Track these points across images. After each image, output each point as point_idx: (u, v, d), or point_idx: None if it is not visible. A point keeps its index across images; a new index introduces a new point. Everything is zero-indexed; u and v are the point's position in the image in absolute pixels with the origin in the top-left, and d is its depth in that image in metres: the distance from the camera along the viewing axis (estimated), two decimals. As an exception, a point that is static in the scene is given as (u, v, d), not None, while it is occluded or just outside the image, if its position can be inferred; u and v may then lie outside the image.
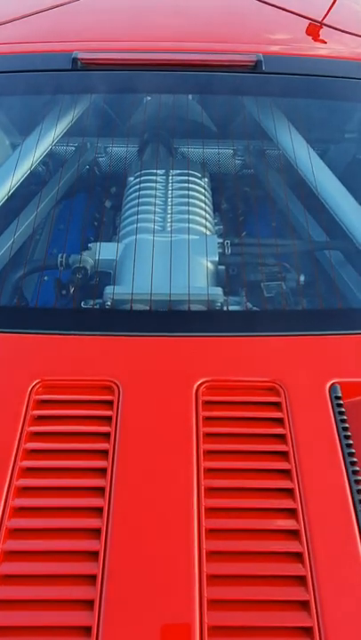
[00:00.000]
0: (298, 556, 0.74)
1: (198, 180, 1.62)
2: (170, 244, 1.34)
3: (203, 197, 1.55)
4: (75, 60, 1.52)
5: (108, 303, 1.20)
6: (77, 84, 1.57)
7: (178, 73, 1.57)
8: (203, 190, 1.59)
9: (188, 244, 1.32)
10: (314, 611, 0.69)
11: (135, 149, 1.87)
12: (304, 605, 0.70)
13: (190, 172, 1.62)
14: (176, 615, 0.69)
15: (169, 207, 1.48)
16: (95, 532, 0.77)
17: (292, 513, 0.79)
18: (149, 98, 1.77)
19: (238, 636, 0.68)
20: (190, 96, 1.77)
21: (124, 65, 1.56)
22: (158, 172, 1.63)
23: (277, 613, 0.70)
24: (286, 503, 0.80)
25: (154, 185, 1.56)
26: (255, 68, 1.53)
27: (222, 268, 1.35)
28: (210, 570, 0.73)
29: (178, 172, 1.63)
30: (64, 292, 1.36)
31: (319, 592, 0.71)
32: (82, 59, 1.53)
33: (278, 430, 0.88)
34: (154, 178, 1.59)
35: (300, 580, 0.73)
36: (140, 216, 1.43)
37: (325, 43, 1.69)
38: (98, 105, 1.74)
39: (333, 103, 1.70)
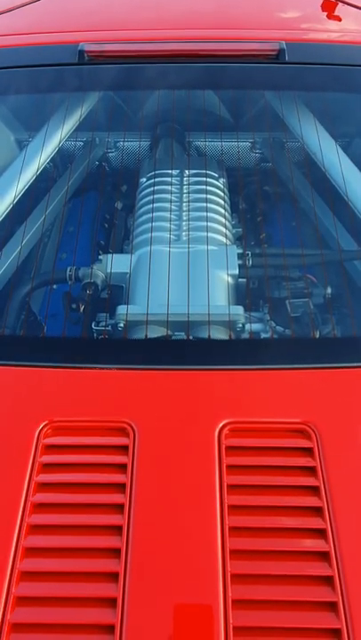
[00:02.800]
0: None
1: (216, 182, 1.51)
2: (186, 255, 1.24)
3: (221, 201, 1.44)
4: (81, 53, 1.41)
5: (121, 325, 1.11)
6: (84, 78, 1.45)
7: (192, 64, 1.44)
8: (221, 193, 1.48)
9: (207, 256, 1.21)
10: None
11: (147, 146, 1.76)
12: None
13: (207, 172, 1.50)
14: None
15: (185, 214, 1.38)
16: (110, 602, 0.70)
17: (328, 581, 0.71)
18: (162, 91, 1.64)
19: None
20: (206, 89, 1.64)
21: (134, 57, 1.44)
22: (173, 172, 1.52)
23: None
24: (321, 568, 0.72)
25: (168, 188, 1.45)
26: (277, 57, 1.39)
27: (242, 281, 1.25)
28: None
29: (194, 172, 1.51)
30: (74, 305, 1.28)
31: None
32: (89, 51, 1.41)
33: (310, 481, 0.80)
34: (168, 180, 1.48)
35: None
36: (154, 224, 1.32)
37: (356, 28, 1.54)
38: (107, 99, 1.62)
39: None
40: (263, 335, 1.11)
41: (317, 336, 1.10)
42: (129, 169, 1.77)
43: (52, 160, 1.61)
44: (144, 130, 1.74)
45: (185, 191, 1.46)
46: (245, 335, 1.08)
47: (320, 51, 1.42)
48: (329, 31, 1.53)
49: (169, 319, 1.07)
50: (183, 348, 0.98)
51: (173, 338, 1.05)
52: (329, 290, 1.19)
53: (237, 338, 1.07)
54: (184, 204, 1.41)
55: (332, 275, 1.25)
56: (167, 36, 1.48)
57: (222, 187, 1.51)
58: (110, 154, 1.79)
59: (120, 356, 0.95)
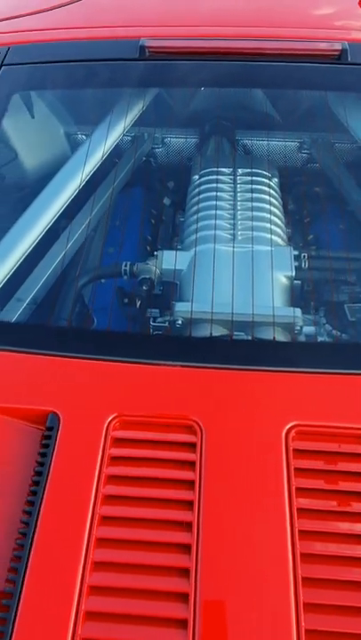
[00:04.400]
0: None
1: (268, 181, 1.50)
2: (243, 255, 1.24)
3: (275, 201, 1.43)
4: (142, 48, 1.41)
5: (179, 322, 1.12)
6: (144, 74, 1.45)
7: (252, 62, 1.43)
8: (274, 193, 1.47)
9: (272, 257, 1.21)
10: None
11: (199, 143, 1.75)
12: None
13: (260, 171, 1.50)
14: None
15: (238, 213, 1.38)
16: (182, 597, 0.71)
17: None
18: (219, 89, 1.64)
19: None
20: (265, 88, 1.63)
21: (194, 53, 1.43)
22: (225, 170, 1.52)
23: None
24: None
25: (223, 187, 1.45)
26: (339, 58, 1.38)
27: (297, 284, 1.25)
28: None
29: (246, 171, 1.51)
30: (126, 300, 1.29)
31: None
32: (150, 47, 1.41)
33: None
34: (222, 178, 1.48)
35: None
36: (206, 222, 1.33)
37: None
38: (166, 95, 1.63)
39: None
40: (321, 338, 1.10)
41: None
42: (181, 165, 1.77)
43: (111, 155, 1.62)
44: (196, 126, 1.74)
45: (239, 190, 1.45)
46: (306, 337, 1.08)
47: None
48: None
49: (233, 319, 1.07)
50: (250, 349, 0.98)
51: (238, 338, 1.05)
52: None
53: (304, 340, 1.06)
54: (238, 203, 1.41)
55: None
56: (227, 33, 1.47)
57: (275, 187, 1.51)
58: (160, 149, 1.80)
59: (187, 354, 0.95)
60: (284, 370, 0.92)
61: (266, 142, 1.74)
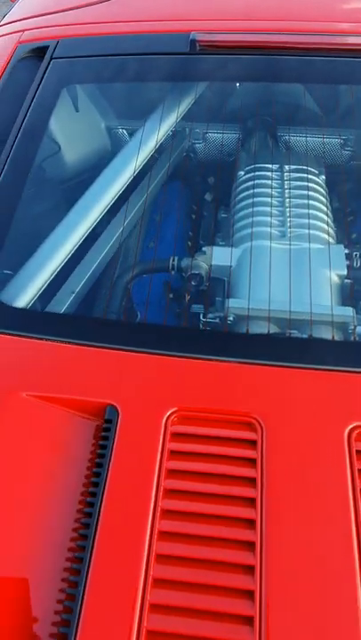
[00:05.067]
0: None
1: (317, 178, 1.48)
2: (293, 253, 1.23)
3: (323, 199, 1.41)
4: (193, 42, 1.40)
5: (231, 319, 1.11)
6: (195, 68, 1.44)
7: (302, 57, 1.41)
8: (322, 190, 1.45)
9: (329, 254, 1.20)
10: None
11: (236, 137, 1.74)
12: None
13: (308, 168, 1.48)
14: None
15: (288, 210, 1.36)
16: (248, 594, 0.71)
17: None
18: (267, 84, 1.62)
19: None
20: (312, 83, 1.61)
21: (244, 47, 1.42)
22: (273, 167, 1.50)
23: None
24: None
25: (270, 183, 1.44)
26: None
27: (348, 283, 1.23)
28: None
29: (294, 167, 1.49)
30: (171, 295, 1.29)
31: None
32: (200, 41, 1.40)
33: None
34: (269, 174, 1.47)
35: None
36: (255, 219, 1.31)
37: None
38: (214, 90, 1.61)
39: None
40: None
41: None
42: (222, 161, 1.75)
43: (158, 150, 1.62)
44: (240, 122, 1.72)
45: (286, 187, 1.44)
46: (359, 337, 1.06)
47: None
48: None
49: (291, 317, 1.06)
50: (309, 347, 0.97)
51: (296, 336, 1.04)
52: None
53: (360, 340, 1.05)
54: (286, 200, 1.39)
55: None
56: (276, 27, 1.45)
57: (323, 184, 1.49)
58: (200, 145, 1.79)
59: (246, 351, 0.94)
60: (345, 369, 0.90)
61: (306, 138, 1.71)
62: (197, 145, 1.83)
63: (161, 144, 1.77)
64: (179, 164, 1.76)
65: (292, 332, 1.06)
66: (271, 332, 1.05)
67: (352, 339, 1.04)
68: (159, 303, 1.32)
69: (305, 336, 1.04)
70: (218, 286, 1.26)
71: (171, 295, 1.30)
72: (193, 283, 1.24)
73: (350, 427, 0.84)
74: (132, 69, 1.46)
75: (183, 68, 1.43)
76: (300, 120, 1.70)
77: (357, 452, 0.82)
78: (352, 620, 0.68)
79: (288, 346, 0.97)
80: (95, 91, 1.76)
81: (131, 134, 1.79)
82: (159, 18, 1.53)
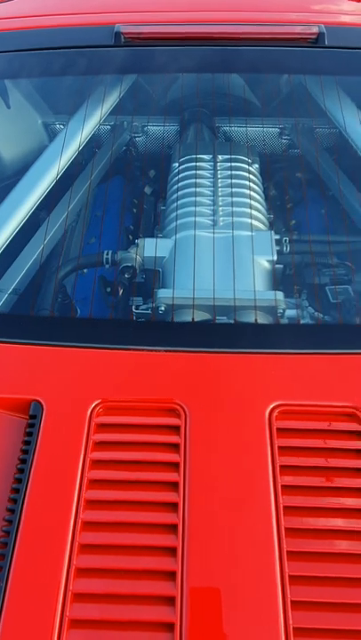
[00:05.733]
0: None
1: (248, 167, 1.50)
2: (223, 241, 1.25)
3: (255, 187, 1.44)
4: (118, 35, 1.40)
5: (162, 308, 1.12)
6: (120, 61, 1.44)
7: (228, 47, 1.43)
8: (254, 178, 1.47)
9: (252, 241, 1.22)
10: None
11: (177, 130, 1.75)
12: None
13: (240, 157, 1.50)
14: None
15: (219, 199, 1.38)
16: (170, 575, 0.72)
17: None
18: (196, 74, 1.63)
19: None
20: (242, 73, 1.62)
21: (170, 39, 1.42)
22: (205, 157, 1.51)
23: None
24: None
25: (201, 173, 1.45)
26: (316, 41, 1.38)
27: (279, 267, 1.25)
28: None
29: (226, 157, 1.51)
30: (108, 289, 1.29)
31: None
32: (125, 33, 1.40)
33: (359, 464, 0.81)
34: (200, 165, 1.48)
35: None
36: (186, 209, 1.33)
37: None
38: (142, 82, 1.61)
39: None
40: (304, 321, 1.11)
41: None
42: (157, 153, 1.76)
43: (88, 144, 1.61)
44: (175, 114, 1.73)
45: (219, 176, 1.45)
46: (289, 320, 1.09)
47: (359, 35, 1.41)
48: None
49: (215, 303, 1.07)
50: (232, 332, 0.99)
51: (221, 322, 1.05)
52: None
53: (284, 322, 1.07)
54: (219, 190, 1.41)
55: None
56: (204, 18, 1.46)
57: (255, 172, 1.51)
58: (140, 138, 1.79)
59: (169, 339, 0.95)
60: (267, 351, 0.92)
61: (245, 129, 1.74)
62: (138, 139, 1.83)
63: (99, 138, 1.76)
64: (119, 158, 1.75)
65: (219, 318, 1.07)
66: (199, 319, 1.06)
67: (272, 322, 1.07)
68: (98, 298, 1.32)
69: (228, 321, 1.06)
70: (153, 277, 1.27)
71: (108, 289, 1.30)
72: (125, 275, 1.24)
73: (272, 406, 0.86)
74: (58, 64, 1.45)
75: (109, 60, 1.42)
76: (236, 110, 1.72)
77: (278, 430, 0.84)
78: (269, 600, 0.70)
79: (210, 332, 0.98)
80: (27, 87, 1.74)
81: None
82: (85, 10, 1.52)
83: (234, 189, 1.39)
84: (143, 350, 0.93)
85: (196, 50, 1.42)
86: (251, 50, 1.41)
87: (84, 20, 1.47)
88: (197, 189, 1.39)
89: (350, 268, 1.22)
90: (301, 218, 1.51)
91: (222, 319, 1.07)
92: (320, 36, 1.37)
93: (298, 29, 1.39)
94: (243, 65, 1.47)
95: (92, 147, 1.75)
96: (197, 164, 1.48)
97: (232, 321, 1.05)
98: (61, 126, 1.81)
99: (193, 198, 1.37)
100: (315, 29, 1.38)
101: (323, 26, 1.38)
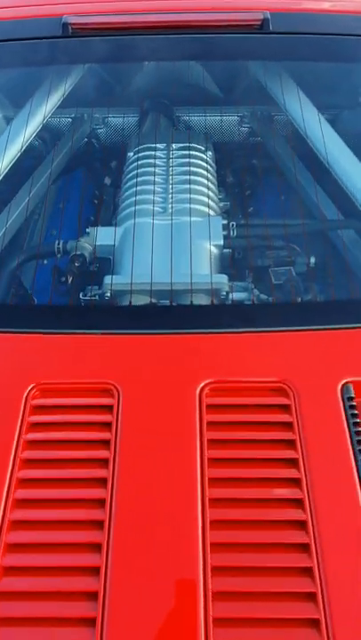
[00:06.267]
0: (304, 547, 0.72)
1: (201, 154, 1.52)
2: (170, 227, 1.27)
3: (206, 174, 1.45)
4: (65, 26, 1.41)
5: (107, 294, 1.14)
6: (69, 52, 1.45)
7: (177, 36, 1.44)
8: (206, 165, 1.49)
9: (192, 227, 1.24)
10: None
11: (135, 120, 1.76)
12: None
13: (192, 145, 1.52)
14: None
15: (170, 186, 1.39)
16: (96, 547, 0.74)
17: (302, 525, 0.75)
18: (147, 63, 1.64)
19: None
20: (191, 60, 1.64)
21: (119, 29, 1.44)
22: (159, 146, 1.53)
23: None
24: (296, 514, 0.76)
25: (153, 162, 1.47)
26: (261, 27, 1.40)
27: (227, 252, 1.27)
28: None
29: (179, 145, 1.52)
30: (63, 279, 1.31)
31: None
32: (73, 24, 1.41)
33: (287, 435, 0.83)
34: (153, 154, 1.50)
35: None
36: (138, 197, 1.34)
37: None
38: (92, 73, 1.62)
39: (349, 65, 1.56)
40: (246, 302, 1.14)
41: (296, 301, 1.13)
42: (117, 145, 1.77)
43: (40, 136, 1.62)
44: (129, 105, 1.74)
45: (171, 164, 1.47)
46: (227, 301, 1.11)
47: (304, 20, 1.42)
48: (313, 1, 1.53)
49: (153, 288, 1.10)
50: (164, 314, 1.01)
51: (154, 304, 1.07)
52: (310, 258, 1.21)
53: (216, 304, 1.09)
54: (170, 177, 1.42)
55: (315, 244, 1.27)
56: (151, 7, 1.47)
57: (208, 159, 1.52)
58: (97, 129, 1.80)
59: (103, 322, 0.98)
60: (199, 331, 0.95)
61: (204, 118, 1.75)
62: (99, 130, 1.84)
63: (59, 130, 1.77)
64: (79, 150, 1.76)
65: (162, 302, 1.09)
66: (138, 303, 1.08)
67: (206, 303, 1.09)
68: (50, 286, 1.33)
69: (162, 304, 1.07)
70: (105, 265, 1.29)
71: (63, 279, 1.32)
72: (76, 264, 1.26)
73: (202, 384, 0.88)
74: (7, 56, 1.46)
75: (57, 51, 1.43)
76: (194, 99, 1.73)
77: (208, 406, 0.86)
78: (191, 575, 0.71)
79: (144, 315, 1.01)
80: None
81: None
82: (32, 3, 1.53)
83: (186, 177, 1.41)
84: (79, 334, 0.95)
85: (144, 39, 1.44)
86: (198, 37, 1.43)
87: (32, 13, 1.48)
88: (148, 178, 1.41)
89: (295, 251, 1.24)
90: (257, 204, 1.53)
91: (164, 302, 1.10)
92: (265, 22, 1.38)
93: (243, 16, 1.40)
94: (191, 52, 1.48)
95: (51, 139, 1.76)
96: (150, 152, 1.50)
97: (167, 303, 1.07)
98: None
99: (144, 187, 1.39)
100: (259, 16, 1.39)
101: (267, 12, 1.40)
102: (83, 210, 1.52)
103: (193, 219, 1.29)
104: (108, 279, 1.16)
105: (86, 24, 1.42)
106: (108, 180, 1.70)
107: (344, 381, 0.88)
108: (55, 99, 1.49)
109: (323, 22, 1.45)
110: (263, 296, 1.15)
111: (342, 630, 0.66)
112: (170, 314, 1.01)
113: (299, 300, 1.13)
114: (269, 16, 1.39)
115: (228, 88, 1.78)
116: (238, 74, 1.73)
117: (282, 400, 0.87)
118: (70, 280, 1.24)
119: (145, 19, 1.44)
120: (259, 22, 1.39)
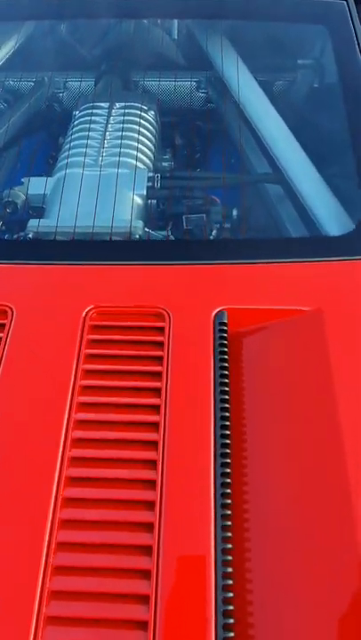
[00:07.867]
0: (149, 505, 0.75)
1: (141, 113, 1.58)
2: (98, 178, 1.34)
3: (142, 130, 1.52)
4: None
5: (30, 237, 1.23)
6: (18, 7, 1.51)
7: None
8: (145, 123, 1.55)
9: (118, 178, 1.31)
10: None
11: (87, 84, 1.82)
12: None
13: (133, 104, 1.58)
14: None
15: (105, 142, 1.47)
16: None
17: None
18: (95, 21, 1.70)
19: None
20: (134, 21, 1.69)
21: None
22: (102, 104, 1.60)
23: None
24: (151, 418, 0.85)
25: (92, 119, 1.54)
26: None
27: (151, 202, 1.35)
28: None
29: (121, 105, 1.59)
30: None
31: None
32: None
33: (157, 353, 0.91)
34: (92, 111, 1.57)
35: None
36: (71, 151, 1.42)
37: None
38: (42, 31, 1.69)
39: (287, 25, 1.61)
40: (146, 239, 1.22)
41: (189, 240, 1.23)
42: (71, 107, 1.84)
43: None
44: (92, 68, 1.80)
45: (110, 122, 1.54)
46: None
47: None
48: None
49: (76, 231, 1.19)
50: (64, 247, 1.10)
51: (60, 240, 1.16)
52: (222, 207, 1.29)
53: (115, 241, 1.18)
54: (106, 133, 1.50)
55: (234, 195, 1.34)
56: None
57: (150, 118, 1.59)
58: (62, 94, 1.86)
59: (17, 255, 1.07)
60: (91, 263, 1.03)
61: (158, 82, 1.80)
62: (60, 94, 1.91)
63: (20, 93, 1.84)
64: (40, 114, 1.83)
65: None
66: None
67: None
68: None
69: (65, 239, 1.16)
70: (35, 213, 1.37)
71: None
72: (8, 210, 1.35)
73: (89, 308, 0.97)
74: None
75: (6, 6, 1.50)
76: (152, 61, 1.78)
77: (91, 326, 0.95)
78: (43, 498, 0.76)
79: (48, 248, 1.11)
80: None
81: None
82: None
83: (119, 133, 1.48)
84: None
85: None
86: None
87: None
88: (85, 134, 1.48)
89: (212, 201, 1.32)
90: (202, 165, 1.60)
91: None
92: None
93: None
94: (140, 12, 1.53)
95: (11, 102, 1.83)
96: (91, 111, 1.57)
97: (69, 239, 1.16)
98: None
99: (80, 141, 1.46)
100: None
101: None
102: (32, 166, 1.60)
103: (120, 170, 1.36)
104: (33, 222, 1.24)
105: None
106: (61, 140, 1.78)
107: (220, 309, 0.96)
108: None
109: None
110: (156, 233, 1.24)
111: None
112: (67, 248, 1.10)
113: (191, 239, 1.21)
114: None
115: (185, 53, 1.83)
116: (192, 36, 1.78)
117: (158, 323, 0.95)
118: (0, 225, 1.33)
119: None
120: None
